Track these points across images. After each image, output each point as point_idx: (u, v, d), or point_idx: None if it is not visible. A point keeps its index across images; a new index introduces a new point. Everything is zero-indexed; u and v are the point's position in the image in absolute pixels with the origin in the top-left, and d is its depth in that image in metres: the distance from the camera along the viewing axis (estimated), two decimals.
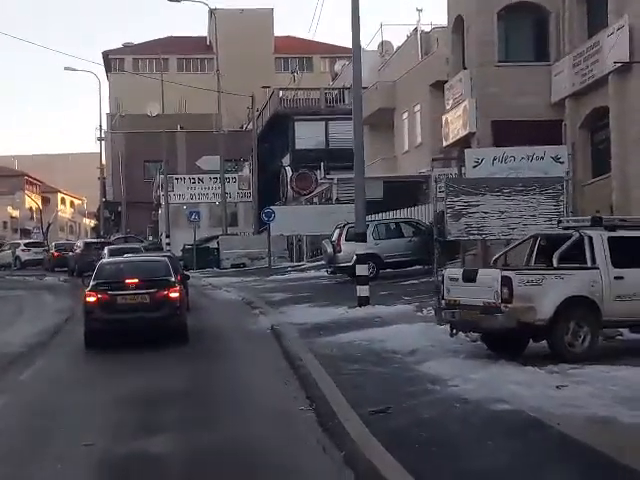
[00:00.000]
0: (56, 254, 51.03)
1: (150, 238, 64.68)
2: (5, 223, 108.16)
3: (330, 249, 29.41)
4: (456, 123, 27.68)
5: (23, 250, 56.86)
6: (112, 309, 17.09)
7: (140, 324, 17.15)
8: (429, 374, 12.64)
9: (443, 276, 14.56)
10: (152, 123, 66.84)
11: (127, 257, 26.03)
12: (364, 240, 20.46)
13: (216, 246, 47.01)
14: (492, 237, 16.60)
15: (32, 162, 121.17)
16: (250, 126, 62.26)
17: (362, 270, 20.30)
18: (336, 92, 51.99)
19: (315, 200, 43.00)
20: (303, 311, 21.66)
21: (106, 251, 37.71)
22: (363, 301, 20.16)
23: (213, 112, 72.21)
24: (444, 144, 29.17)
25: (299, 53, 79.69)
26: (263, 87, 57.19)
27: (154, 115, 67.81)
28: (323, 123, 50.80)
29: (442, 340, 15.29)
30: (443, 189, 17.74)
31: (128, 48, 76.63)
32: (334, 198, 38.56)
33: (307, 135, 50.06)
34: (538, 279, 13.20)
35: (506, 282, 13.06)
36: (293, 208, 39.24)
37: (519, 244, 15.16)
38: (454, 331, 14.16)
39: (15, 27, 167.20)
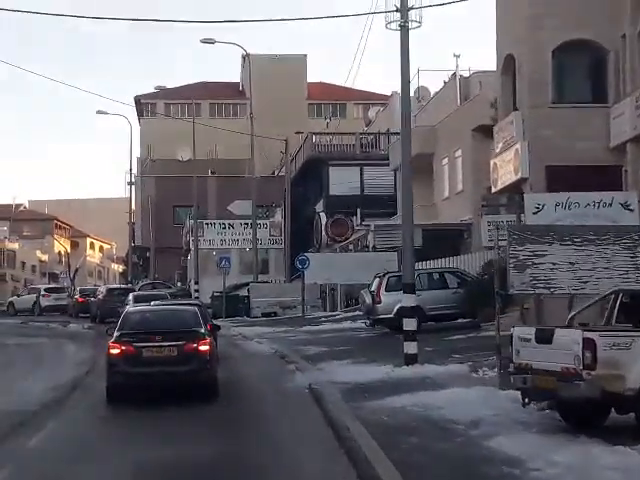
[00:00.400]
0: (80, 300, 50.17)
1: (179, 284, 63.22)
2: (34, 267, 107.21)
3: (369, 300, 27.64)
4: (506, 168, 25.95)
5: (43, 295, 55.84)
6: (137, 362, 15.91)
7: (167, 379, 15.95)
8: (501, 453, 10.80)
9: (511, 335, 12.73)
10: (183, 168, 65.85)
11: (154, 305, 24.64)
12: (412, 291, 18.68)
13: (246, 294, 45.34)
14: (561, 291, 14.75)
15: (62, 206, 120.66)
16: (282, 171, 60.95)
17: (410, 324, 18.50)
18: (371, 137, 50.51)
19: (350, 247, 41.32)
20: (343, 368, 19.83)
21: (131, 298, 36.37)
22: (410, 359, 18.34)
23: (245, 157, 71.73)
24: (492, 190, 27.42)
25: (332, 99, 78.52)
26: (296, 133, 55.95)
27: (185, 160, 66.84)
28: (358, 169, 49.27)
29: (507, 409, 13.49)
30: (501, 237, 15.95)
31: (160, 92, 76.24)
32: (371, 245, 36.84)
33: (341, 181, 48.52)
34: (627, 342, 11.35)
35: (589, 345, 11.23)
36: (328, 255, 37.54)
37: (598, 300, 13.33)
38: (526, 400, 12.31)
39: (46, 67, 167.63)
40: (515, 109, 26.16)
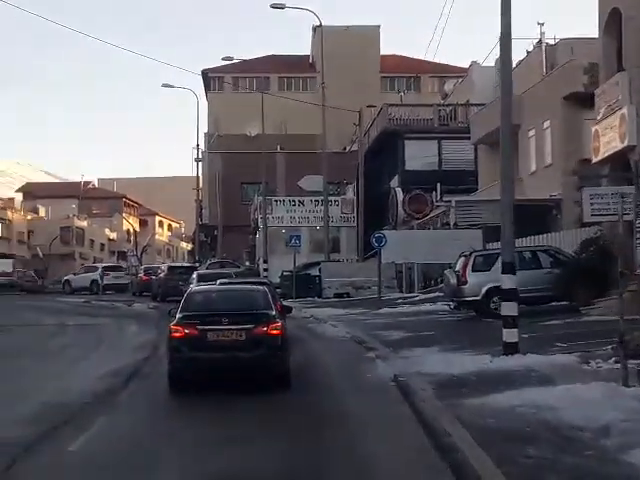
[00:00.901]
0: (144, 278, 48.82)
1: (247, 263, 61.53)
2: (102, 245, 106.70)
3: (454, 280, 25.30)
4: (610, 135, 23.35)
5: (101, 274, 54.07)
6: (201, 346, 14.32)
7: (234, 365, 14.42)
8: None
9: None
10: (251, 143, 64.16)
11: (220, 285, 22.66)
12: (512, 272, 16.32)
13: (317, 273, 43.25)
14: None
15: (131, 185, 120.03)
16: (354, 147, 58.64)
17: (510, 309, 16.15)
18: (450, 109, 47.90)
19: (429, 226, 38.91)
20: (431, 357, 17.53)
21: (195, 276, 34.90)
22: (510, 348, 15.99)
23: (315, 133, 69.61)
24: (593, 160, 24.82)
25: (406, 72, 75.73)
26: (369, 106, 53.54)
27: (253, 135, 65.17)
28: (435, 142, 46.75)
29: (637, 410, 11.15)
30: (620, 210, 13.51)
31: (228, 66, 74.28)
32: (452, 223, 34.39)
33: (418, 155, 46.03)
34: None
35: None
36: (406, 233, 35.14)
37: None
38: None
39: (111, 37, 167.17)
40: (620, 70, 23.49)
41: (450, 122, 47.81)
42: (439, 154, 46.66)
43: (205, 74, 75.56)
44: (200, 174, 68.28)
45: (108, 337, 24.64)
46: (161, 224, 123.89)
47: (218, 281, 26.46)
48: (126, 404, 14.24)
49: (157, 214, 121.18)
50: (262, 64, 73.41)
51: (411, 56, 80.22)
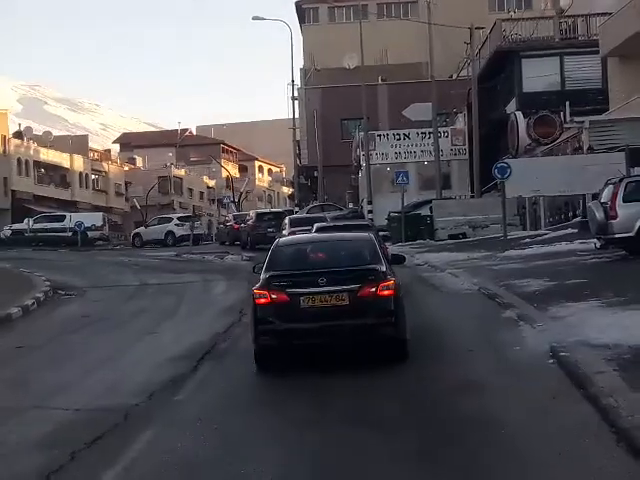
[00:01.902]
0: (236, 227, 45.80)
1: (350, 205, 57.49)
2: (201, 193, 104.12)
3: (600, 214, 20.65)
4: None
5: (177, 225, 51.98)
6: (293, 315, 11.30)
7: (336, 337, 11.42)
8: None
9: None
10: (350, 77, 60.00)
11: (316, 232, 19.21)
12: None
13: (428, 213, 38.89)
14: None
15: (228, 131, 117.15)
16: (462, 74, 53.82)
17: None
18: (572, 21, 42.56)
19: (557, 152, 33.94)
20: (594, 316, 13.12)
21: (287, 222, 31.41)
22: None
23: (418, 61, 64.78)
24: None
25: None
26: (477, 28, 48.44)
27: (352, 68, 60.98)
28: (557, 59, 41.55)
29: None
30: None
31: None
32: (585, 147, 29.55)
33: (537, 75, 40.94)
34: None
35: None
36: (534, 161, 30.27)
37: None
38: None
39: None
40: None
41: (572, 35, 42.56)
42: (561, 72, 41.49)
43: (299, 6, 71.17)
44: (297, 112, 64.13)
45: (189, 300, 20.89)
46: (261, 169, 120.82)
47: (315, 226, 23.21)
48: (191, 403, 10.32)
49: (256, 159, 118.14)
50: None
51: None
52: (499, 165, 25.91)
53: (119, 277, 27.07)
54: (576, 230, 29.26)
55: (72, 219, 49.37)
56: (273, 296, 11.24)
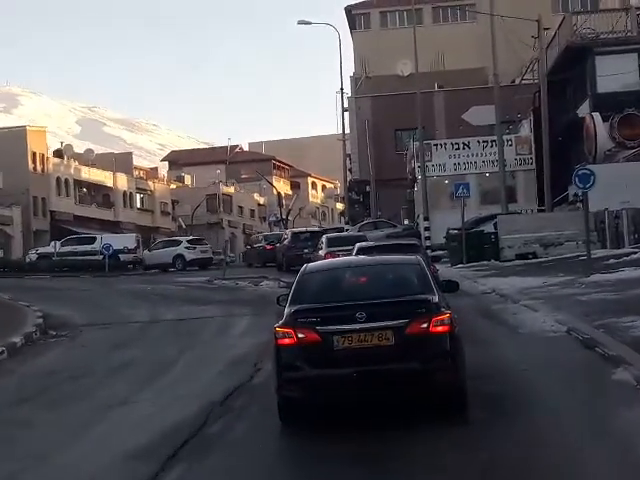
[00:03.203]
0: (269, 247, 43.91)
1: (405, 222, 53.30)
2: (252, 211, 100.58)
3: None
4: None
5: (187, 248, 48.80)
6: (325, 359, 9.26)
7: (377, 386, 9.26)
8: None
9: None
10: (404, 84, 56.20)
11: (350, 257, 16.36)
12: None
13: (493, 230, 34.44)
14: None
15: (280, 146, 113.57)
16: (527, 77, 49.24)
17: None
18: None
19: None
20: None
21: (324, 241, 28.38)
22: None
23: (477, 66, 60.46)
24: None
25: None
26: (533, 37, 44.05)
27: (406, 75, 57.25)
28: (635, 55, 36.90)
29: None
30: None
31: (374, 1, 66.11)
32: None
33: (612, 73, 36.29)
34: None
35: None
36: (623, 167, 25.55)
37: None
38: None
39: None
40: None
41: None
42: None
43: (349, 11, 67.32)
44: (347, 123, 60.14)
45: (197, 345, 16.73)
46: (314, 185, 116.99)
47: (356, 246, 21.06)
48: None
49: (309, 175, 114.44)
50: None
51: None
52: (581, 172, 21.38)
53: (130, 311, 23.06)
54: None
55: (103, 241, 45.58)
56: (300, 335, 9.24)
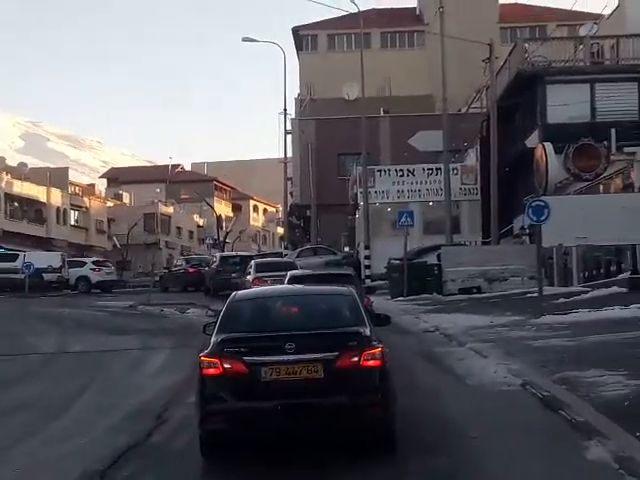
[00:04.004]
0: (190, 271, 43.20)
1: (346, 249, 51.65)
2: (191, 233, 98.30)
3: None
4: None
5: (92, 269, 47.51)
6: (252, 392, 8.83)
7: (304, 419, 8.90)
8: None
9: None
10: (349, 108, 54.85)
11: (281, 287, 15.22)
12: None
13: (436, 261, 32.81)
14: None
15: (222, 168, 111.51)
16: (474, 105, 48.14)
17: None
18: (603, 43, 36.70)
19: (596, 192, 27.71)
20: None
21: (252, 266, 29.31)
22: None
23: (423, 93, 59.29)
24: None
25: (529, 21, 64.63)
26: (484, 61, 42.91)
27: (352, 99, 55.91)
28: (587, 86, 35.62)
29: None
30: None
31: (322, 22, 64.70)
32: (638, 185, 23.52)
33: (564, 103, 35.01)
34: None
35: None
36: (581, 200, 23.86)
37: None
38: None
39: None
40: None
41: (599, 60, 36.82)
42: (591, 101, 35.55)
43: (296, 32, 65.75)
44: (290, 146, 58.45)
45: (98, 386, 14.62)
46: (256, 209, 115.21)
47: (288, 275, 20.08)
48: None
49: (251, 198, 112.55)
50: (362, 19, 63.25)
51: (534, 3, 69.94)
52: (534, 204, 19.69)
53: (37, 340, 20.91)
54: (625, 289, 23.23)
55: (25, 258, 43.05)
56: (226, 365, 8.94)
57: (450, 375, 13.79)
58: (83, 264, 48.16)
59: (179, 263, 48.82)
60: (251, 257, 39.03)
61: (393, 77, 60.34)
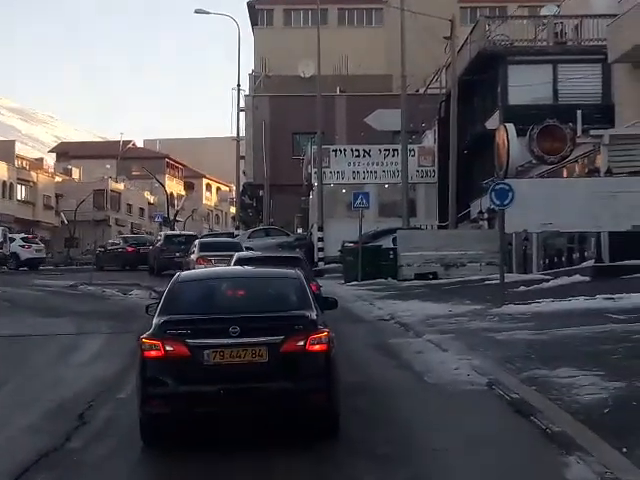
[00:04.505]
0: (130, 249, 42.48)
1: (299, 231, 50.48)
2: (142, 210, 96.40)
3: None
4: None
5: (22, 246, 45.81)
6: (194, 375, 8.68)
7: (248, 404, 8.78)
8: None
9: None
10: (305, 86, 53.42)
11: (227, 268, 15.07)
12: None
13: (391, 245, 31.73)
14: None
15: (176, 145, 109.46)
16: (434, 84, 47.02)
17: None
18: (574, 22, 35.75)
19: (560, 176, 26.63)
20: None
21: (196, 246, 28.78)
22: None
23: (381, 73, 58.18)
24: None
25: (490, 1, 63.55)
26: (445, 38, 41.81)
27: (308, 76, 54.53)
28: (550, 67, 34.77)
29: None
30: None
31: None
32: (603, 169, 22.55)
33: (525, 84, 34.08)
34: None
35: None
36: (547, 184, 22.42)
37: None
38: None
39: None
40: None
41: (562, 40, 35.94)
42: (554, 83, 34.68)
43: (252, 6, 64.11)
44: (243, 122, 57.01)
45: (26, 373, 13.33)
46: (209, 187, 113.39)
47: (235, 256, 18.93)
48: None
49: (204, 176, 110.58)
50: None
51: None
52: (498, 187, 18.53)
53: None
54: (588, 278, 22.28)
55: None
56: (168, 348, 8.72)
57: (407, 371, 12.63)
58: (12, 240, 45.87)
59: (116, 242, 47.42)
60: (196, 237, 38.77)
61: (351, 55, 59.00)
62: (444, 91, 45.28)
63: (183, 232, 47.11)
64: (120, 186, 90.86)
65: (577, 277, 22.46)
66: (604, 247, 22.44)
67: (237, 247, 26.61)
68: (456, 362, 12.68)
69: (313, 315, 9.04)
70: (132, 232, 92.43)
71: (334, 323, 17.94)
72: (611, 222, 19.36)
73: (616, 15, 31.57)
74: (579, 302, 18.41)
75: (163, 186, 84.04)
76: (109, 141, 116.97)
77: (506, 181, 19.12)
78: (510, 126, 25.98)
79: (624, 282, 20.74)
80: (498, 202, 18.72)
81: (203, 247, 28.79)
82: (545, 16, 35.80)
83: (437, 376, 11.93)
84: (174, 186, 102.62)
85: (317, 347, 8.75)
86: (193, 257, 27.83)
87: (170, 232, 47.38)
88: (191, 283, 9.98)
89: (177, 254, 33.59)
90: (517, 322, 16.56)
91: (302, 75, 56.27)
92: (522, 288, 22.05)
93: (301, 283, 9.70)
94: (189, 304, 9.40)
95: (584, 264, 23.33)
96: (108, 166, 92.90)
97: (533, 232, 23.01)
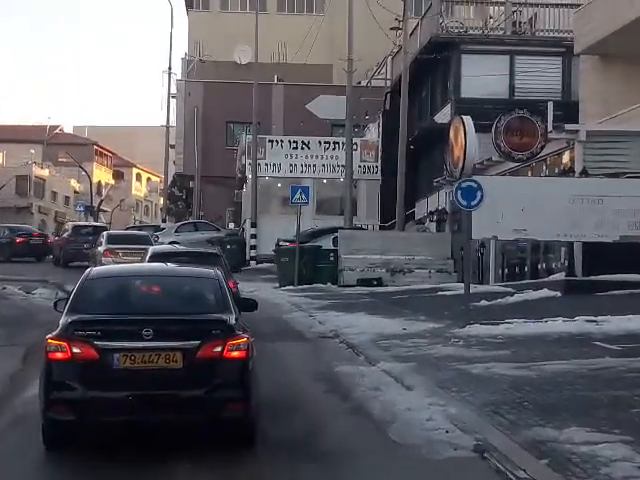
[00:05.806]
0: (18, 240, 41.20)
1: (230, 226, 47.55)
2: (67, 198, 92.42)
3: None
4: None
5: None
6: (103, 380, 8.41)
7: (161, 414, 8.56)
8: None
9: None
10: (241, 73, 50.74)
11: (142, 265, 14.22)
12: None
13: (332, 246, 28.91)
14: None
15: (106, 133, 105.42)
16: (379, 74, 44.50)
17: None
18: (533, 10, 33.29)
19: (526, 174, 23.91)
20: None
21: (104, 238, 28.28)
22: None
23: (321, 63, 55.47)
24: None
25: None
26: (392, 29, 39.28)
27: (244, 63, 51.81)
28: (507, 58, 32.29)
29: None
30: None
31: None
32: (578, 169, 19.95)
33: (481, 74, 31.57)
34: None
35: None
36: (522, 182, 19.60)
37: None
38: None
39: None
40: None
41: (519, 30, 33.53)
42: (511, 75, 32.21)
43: None
44: (173, 108, 53.84)
45: None
46: (139, 177, 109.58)
47: (150, 250, 17.98)
48: None
49: (134, 165, 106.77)
50: None
51: None
52: (465, 185, 15.71)
53: None
54: (558, 293, 19.66)
55: None
56: (75, 350, 8.33)
57: (365, 420, 9.69)
58: None
59: (6, 232, 44.39)
60: (105, 228, 38.81)
61: (290, 43, 56.13)
62: (389, 82, 42.74)
63: (92, 223, 47.13)
64: (45, 172, 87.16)
65: (545, 291, 19.83)
66: (577, 258, 19.82)
67: (146, 240, 26.90)
68: (427, 409, 9.78)
69: (232, 319, 8.71)
70: (55, 221, 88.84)
71: (268, 339, 15.09)
72: (596, 231, 16.69)
73: (579, 5, 29.30)
74: (557, 324, 15.68)
75: (87, 173, 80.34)
76: (35, 125, 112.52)
77: (474, 178, 16.30)
78: (467, 118, 23.29)
79: (600, 300, 18.25)
80: (464, 203, 15.88)
81: (111, 239, 28.64)
82: (503, 2, 33.18)
83: (405, 431, 9.01)
84: (102, 175, 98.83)
85: (235, 354, 8.47)
86: (100, 249, 27.74)
87: (78, 223, 46.38)
88: (103, 280, 9.64)
89: (85, 245, 33.37)
90: (489, 349, 13.76)
91: (238, 61, 53.62)
92: (484, 302, 19.29)
93: (220, 284, 9.34)
94: (100, 303, 9.09)
95: (553, 277, 20.67)
96: (33, 151, 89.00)
97: (504, 239, 20.26)
